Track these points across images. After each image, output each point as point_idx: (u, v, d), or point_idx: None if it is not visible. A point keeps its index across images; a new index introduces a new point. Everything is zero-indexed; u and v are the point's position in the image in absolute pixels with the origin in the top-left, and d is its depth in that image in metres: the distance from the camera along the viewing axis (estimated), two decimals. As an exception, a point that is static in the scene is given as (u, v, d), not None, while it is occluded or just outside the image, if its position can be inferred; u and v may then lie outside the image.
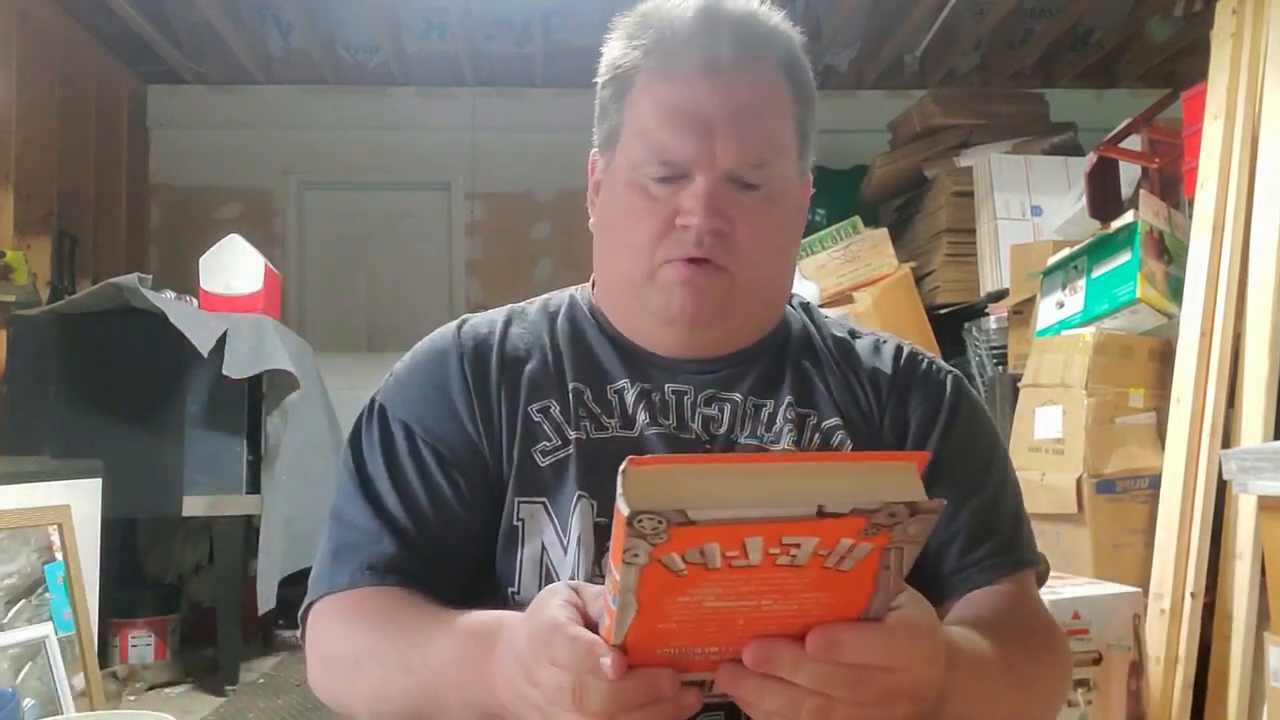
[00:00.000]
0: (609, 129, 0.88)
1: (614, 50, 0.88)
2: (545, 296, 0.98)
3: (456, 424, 0.86)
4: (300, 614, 0.86)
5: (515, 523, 0.83)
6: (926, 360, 0.93)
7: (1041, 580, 0.92)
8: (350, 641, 0.80)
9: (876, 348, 0.93)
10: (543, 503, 0.83)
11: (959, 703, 0.67)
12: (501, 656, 0.65)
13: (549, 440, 0.85)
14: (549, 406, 0.87)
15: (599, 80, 0.90)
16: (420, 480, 0.84)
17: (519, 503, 0.84)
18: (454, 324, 0.93)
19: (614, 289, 0.91)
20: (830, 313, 0.98)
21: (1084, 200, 3.02)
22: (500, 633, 0.67)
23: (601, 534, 0.81)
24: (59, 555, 2.63)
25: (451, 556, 0.84)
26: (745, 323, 0.89)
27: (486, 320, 0.93)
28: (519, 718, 0.65)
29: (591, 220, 0.93)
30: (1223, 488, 2.10)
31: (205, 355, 3.07)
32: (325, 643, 0.82)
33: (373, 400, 0.90)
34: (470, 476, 0.85)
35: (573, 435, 0.85)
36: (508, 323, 0.93)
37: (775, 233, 0.86)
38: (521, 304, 0.97)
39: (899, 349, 0.93)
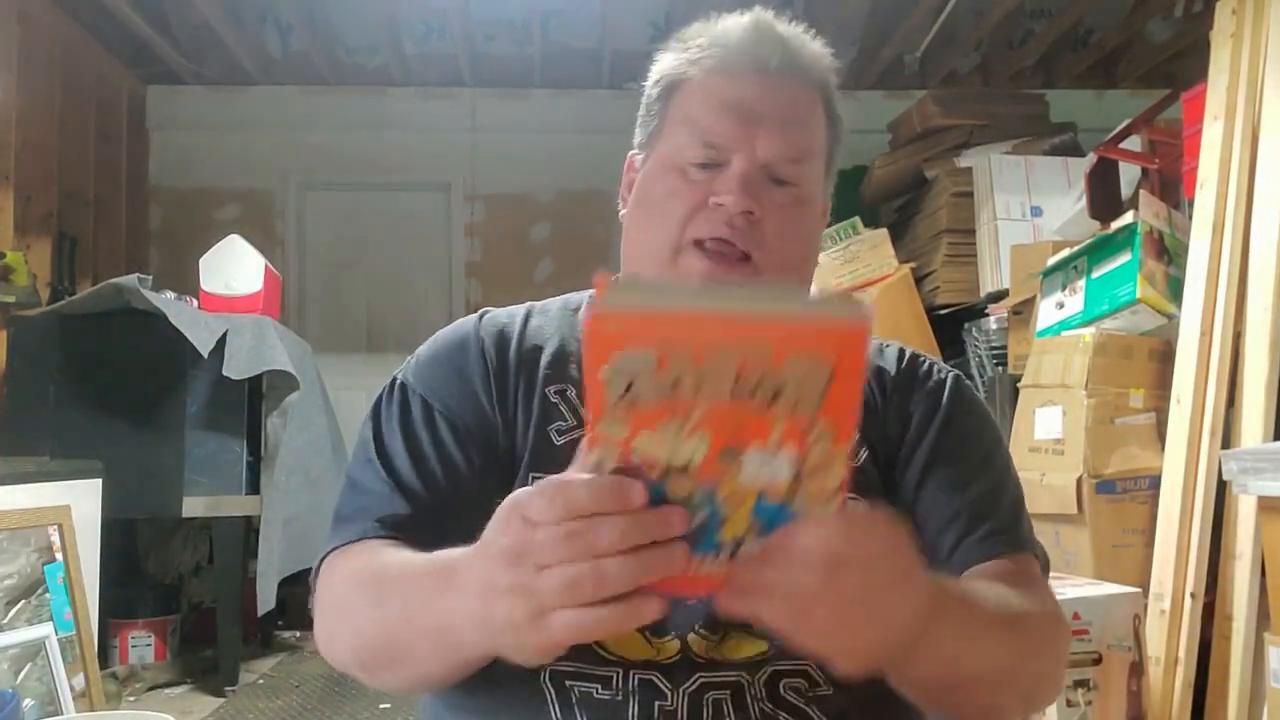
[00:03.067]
0: (651, 128, 0.93)
1: (664, 62, 0.93)
2: (565, 297, 1.01)
3: (474, 402, 0.89)
4: (312, 578, 0.87)
5: None
6: (929, 362, 0.96)
7: (1042, 565, 0.92)
8: (343, 584, 0.82)
9: (880, 350, 0.96)
10: None
11: (944, 628, 0.66)
12: (469, 563, 0.64)
13: (565, 420, 0.87)
14: (566, 390, 0.89)
15: (646, 89, 0.94)
16: (434, 448, 0.87)
17: (533, 477, 0.85)
18: (475, 315, 0.97)
19: (638, 269, 0.94)
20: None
21: (1084, 201, 3.02)
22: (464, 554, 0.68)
23: None
24: (59, 556, 2.63)
25: (459, 525, 0.83)
26: None
27: (506, 313, 0.97)
28: (483, 626, 0.62)
29: (622, 212, 0.96)
30: (1223, 488, 2.10)
31: (205, 356, 3.08)
32: (325, 593, 0.84)
33: (394, 379, 0.94)
34: (483, 451, 0.87)
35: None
36: (528, 316, 0.97)
37: (801, 232, 0.90)
38: (542, 301, 1.00)
39: (901, 351, 0.96)
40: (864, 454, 0.88)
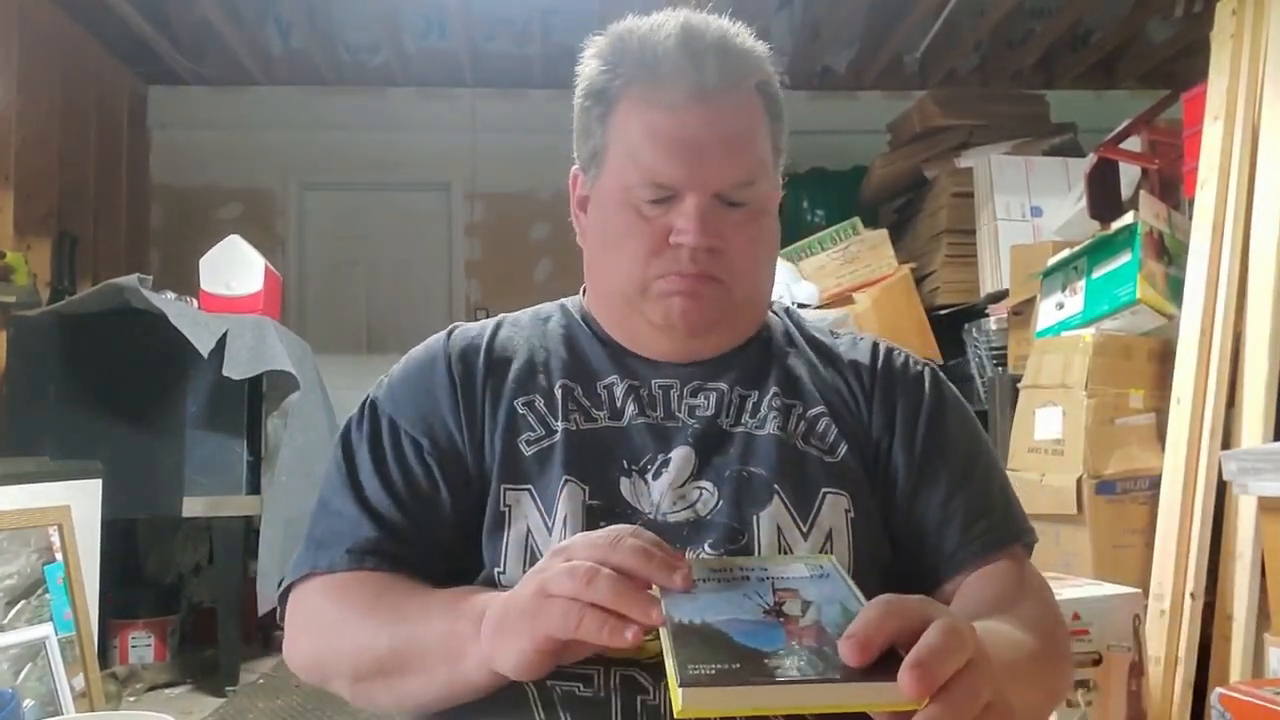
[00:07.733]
0: (594, 148, 0.92)
1: (592, 70, 0.92)
2: (536, 307, 1.03)
3: (439, 418, 0.92)
4: (279, 593, 0.92)
5: (502, 508, 0.87)
6: (903, 356, 0.99)
7: (1029, 547, 0.97)
8: (335, 606, 0.85)
9: (854, 343, 1.00)
10: (528, 489, 0.87)
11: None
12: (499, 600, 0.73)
13: (533, 431, 0.90)
14: (534, 400, 0.92)
15: (579, 97, 0.93)
16: (400, 469, 0.90)
17: (505, 489, 0.88)
18: (444, 331, 1.00)
19: (609, 300, 0.96)
20: (829, 314, 1.02)
21: (1084, 201, 3.02)
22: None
23: (592, 515, 0.85)
24: (59, 556, 2.63)
25: (431, 540, 0.89)
26: (735, 328, 0.96)
27: (477, 327, 1.00)
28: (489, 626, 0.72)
29: (579, 234, 0.98)
30: (1223, 488, 2.10)
31: (205, 356, 3.07)
32: (307, 611, 0.88)
33: (366, 399, 0.97)
34: (448, 467, 0.90)
35: (559, 426, 0.90)
36: (497, 327, 0.99)
37: (761, 245, 0.92)
38: (514, 313, 1.02)
39: (875, 344, 0.99)
40: (843, 448, 0.90)
